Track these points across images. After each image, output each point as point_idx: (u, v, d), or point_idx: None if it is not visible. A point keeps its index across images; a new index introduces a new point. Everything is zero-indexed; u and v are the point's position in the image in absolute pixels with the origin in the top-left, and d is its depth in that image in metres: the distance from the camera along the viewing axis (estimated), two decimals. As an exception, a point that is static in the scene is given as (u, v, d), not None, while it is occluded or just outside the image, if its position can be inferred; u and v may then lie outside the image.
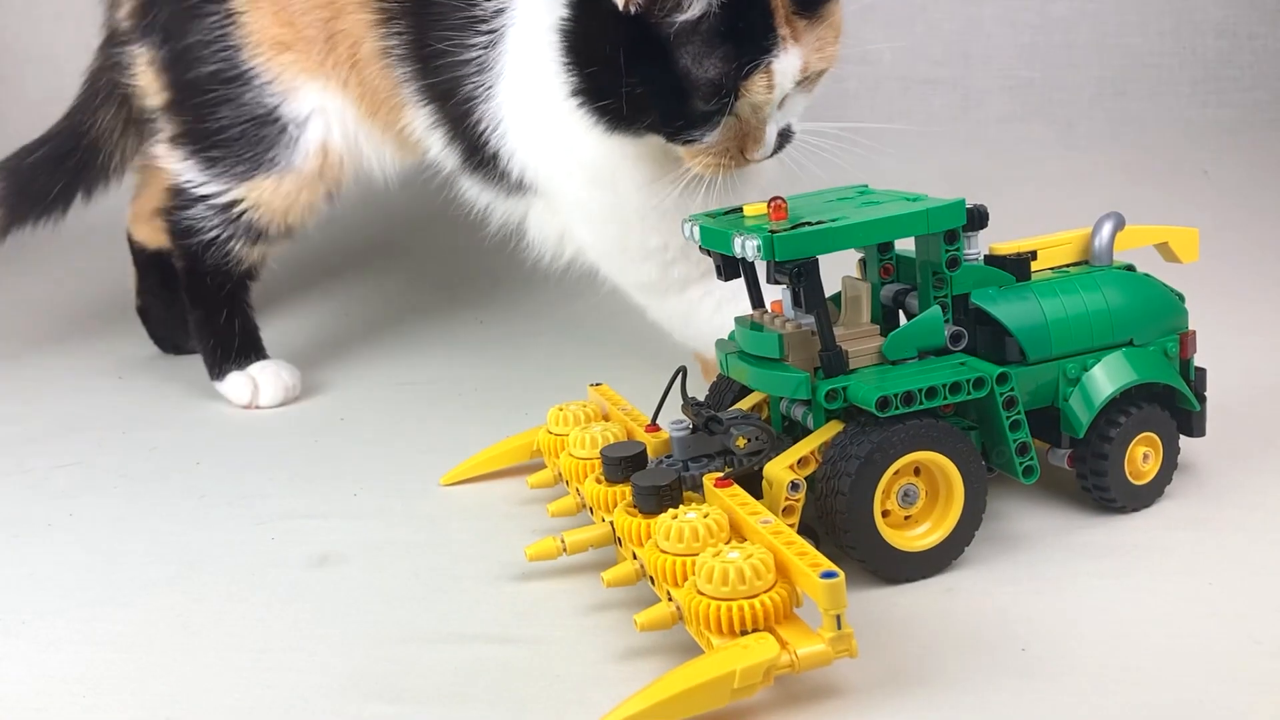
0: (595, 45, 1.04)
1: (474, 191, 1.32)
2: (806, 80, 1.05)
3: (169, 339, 1.58)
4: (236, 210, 1.35)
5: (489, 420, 1.28)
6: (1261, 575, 0.86)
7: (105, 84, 1.45)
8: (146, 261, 1.56)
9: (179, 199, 1.37)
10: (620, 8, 0.99)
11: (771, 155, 1.06)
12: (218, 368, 1.40)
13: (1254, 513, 0.95)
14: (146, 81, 1.37)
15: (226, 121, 1.32)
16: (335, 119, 1.33)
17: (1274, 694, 0.73)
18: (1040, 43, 2.06)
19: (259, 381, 1.38)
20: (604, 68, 1.03)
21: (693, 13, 0.98)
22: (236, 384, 1.38)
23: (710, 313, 1.21)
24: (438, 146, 1.30)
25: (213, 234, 1.36)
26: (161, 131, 1.38)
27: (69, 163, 1.47)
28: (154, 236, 1.52)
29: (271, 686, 0.80)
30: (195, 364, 1.57)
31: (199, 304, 1.40)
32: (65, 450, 1.27)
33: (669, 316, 1.25)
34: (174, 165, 1.36)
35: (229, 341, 1.39)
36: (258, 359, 1.40)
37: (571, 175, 1.18)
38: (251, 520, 1.08)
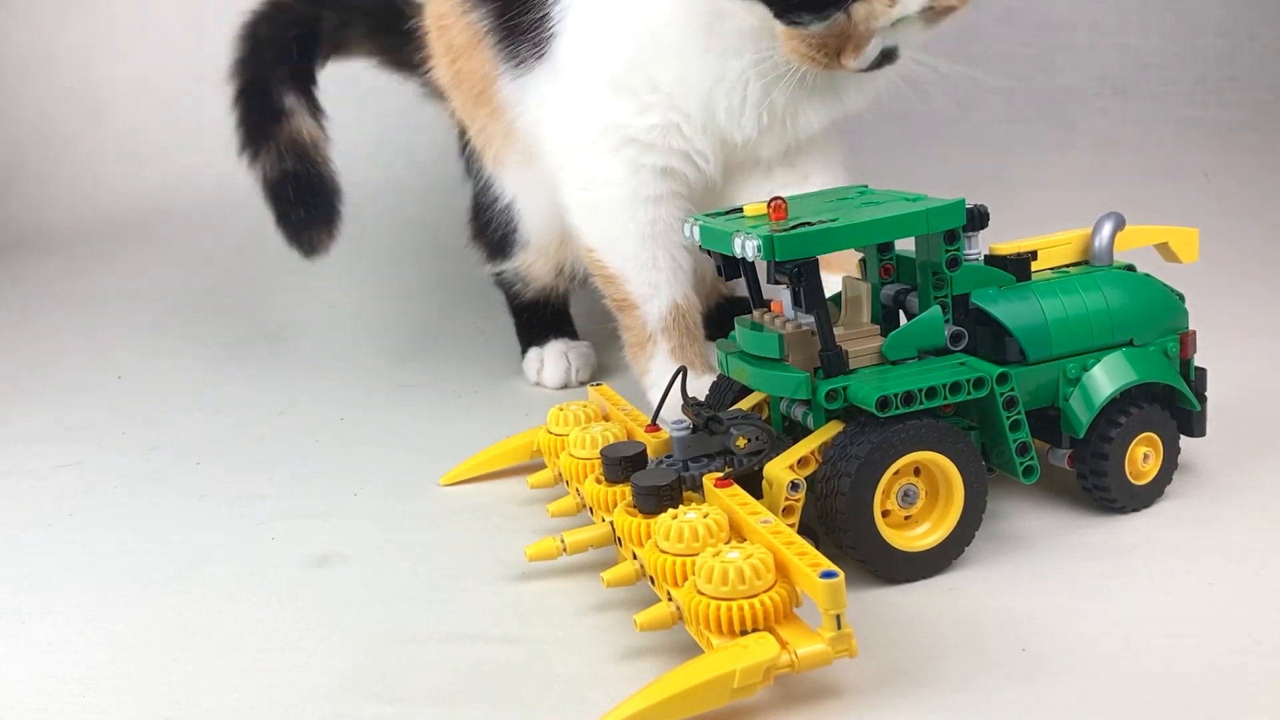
0: None
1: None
2: (932, 11, 1.03)
3: None
4: (519, 274, 1.44)
5: (489, 421, 1.28)
6: (1262, 575, 0.86)
7: None
8: None
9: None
10: None
11: (867, 70, 1.04)
12: (522, 345, 1.47)
13: (1255, 513, 0.95)
14: None
15: (491, 215, 1.43)
16: (528, 191, 1.37)
17: (1274, 693, 0.73)
18: (1041, 42, 2.06)
19: (545, 360, 1.42)
20: None
21: None
22: (529, 360, 1.44)
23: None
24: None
25: (515, 288, 1.47)
26: None
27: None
28: None
29: (271, 686, 0.80)
30: (195, 364, 1.58)
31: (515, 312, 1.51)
32: (65, 450, 1.27)
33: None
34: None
35: (533, 323, 1.46)
36: (557, 338, 1.44)
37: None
38: (251, 520, 1.08)
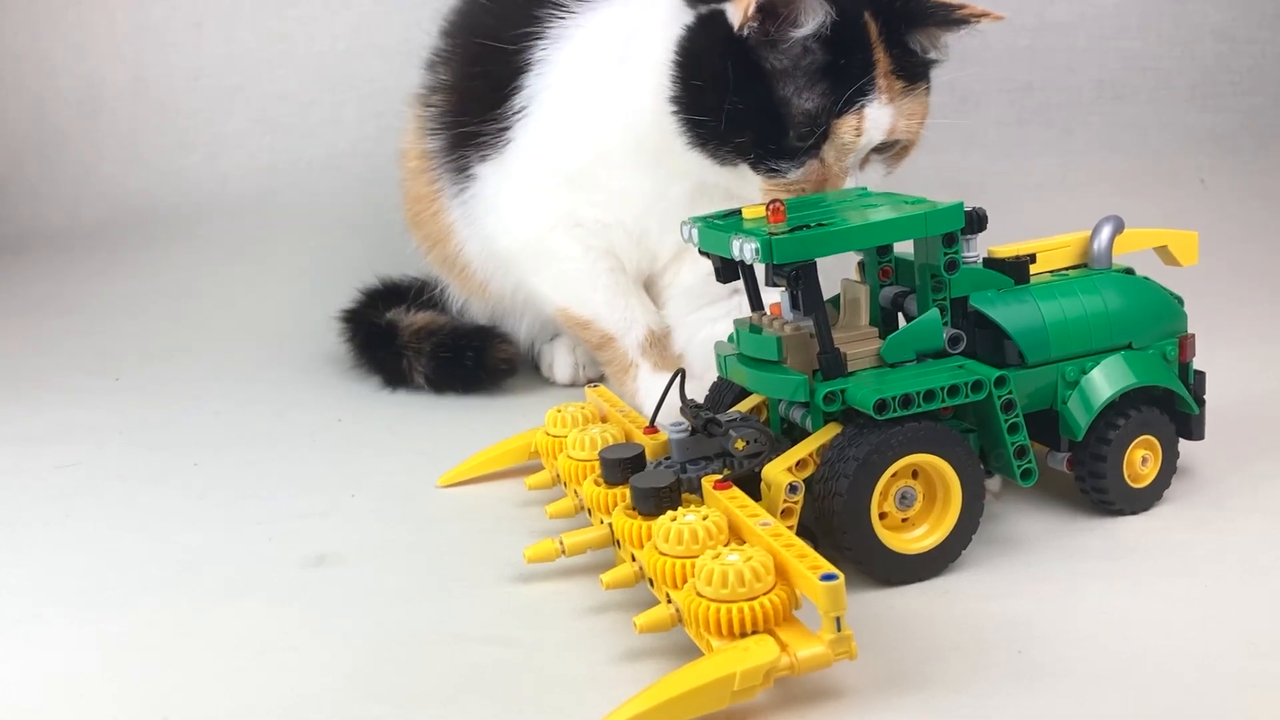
0: (706, 63, 1.08)
1: None
2: (891, 150, 1.12)
3: None
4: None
5: (486, 422, 1.28)
6: (1260, 578, 0.86)
7: None
8: None
9: None
10: (735, 29, 1.05)
11: None
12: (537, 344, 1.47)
13: (1252, 515, 0.96)
14: None
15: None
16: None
17: (1272, 696, 0.73)
18: (1038, 45, 2.06)
19: (555, 356, 1.43)
20: (710, 85, 1.08)
21: (806, 29, 1.04)
22: (541, 356, 1.45)
23: None
24: None
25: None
26: None
27: None
28: None
29: (269, 687, 0.80)
30: (191, 364, 1.58)
31: None
32: (63, 451, 1.27)
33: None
34: None
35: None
36: (563, 335, 1.44)
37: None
38: (249, 520, 1.07)
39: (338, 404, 1.39)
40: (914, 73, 1.11)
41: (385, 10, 2.10)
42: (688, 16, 1.10)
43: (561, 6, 1.23)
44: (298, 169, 2.10)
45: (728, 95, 1.07)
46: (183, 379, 1.51)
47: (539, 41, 1.22)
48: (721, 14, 1.07)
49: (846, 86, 1.06)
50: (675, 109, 1.10)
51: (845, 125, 1.07)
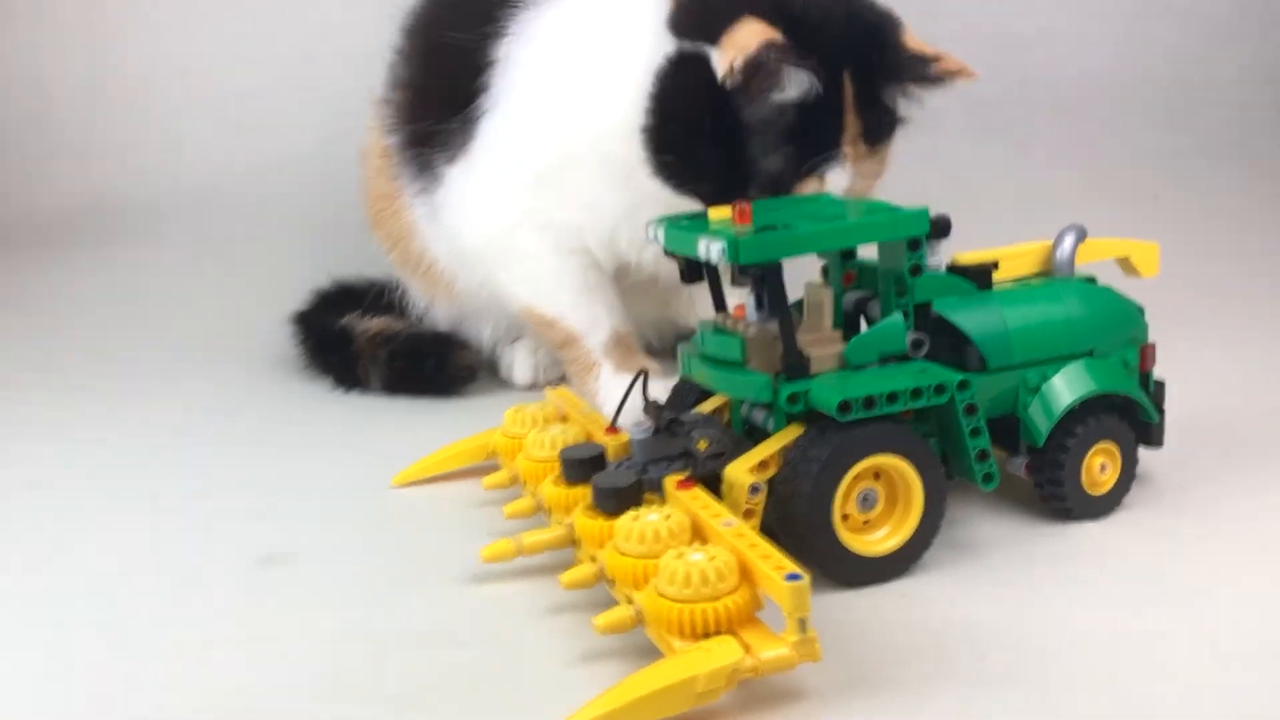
0: (683, 104, 1.08)
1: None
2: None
3: None
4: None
5: (441, 423, 1.26)
6: (1217, 585, 0.87)
7: None
8: None
9: None
10: (720, 78, 1.03)
11: None
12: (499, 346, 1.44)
13: (1209, 522, 0.96)
14: None
15: None
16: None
17: (1229, 702, 0.73)
18: (996, 62, 2.08)
19: (515, 359, 1.41)
20: (683, 127, 1.08)
21: (790, 94, 1.04)
22: (501, 358, 1.42)
23: None
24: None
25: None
26: None
27: None
28: None
29: (219, 688, 0.78)
30: (142, 364, 1.55)
31: None
32: (8, 451, 1.24)
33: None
34: None
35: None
36: (525, 337, 1.41)
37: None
38: (198, 521, 1.05)
39: (290, 405, 1.37)
40: (881, 133, 1.12)
41: (347, 13, 2.08)
42: (670, 46, 1.09)
43: (522, 1, 1.21)
44: (254, 170, 2.07)
45: (698, 142, 1.07)
46: (132, 378, 1.48)
47: (500, 40, 1.21)
48: (707, 58, 1.06)
49: (813, 154, 1.07)
50: (645, 139, 1.10)
51: (805, 187, 1.08)
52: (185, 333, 1.68)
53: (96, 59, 2.17)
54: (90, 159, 2.14)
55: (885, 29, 1.10)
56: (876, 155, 1.13)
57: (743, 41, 1.02)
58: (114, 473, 1.18)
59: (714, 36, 1.04)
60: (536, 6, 1.21)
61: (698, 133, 1.08)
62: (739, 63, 1.02)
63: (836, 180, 1.09)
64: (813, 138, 1.07)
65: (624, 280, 1.29)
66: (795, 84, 1.04)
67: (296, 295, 1.52)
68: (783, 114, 1.06)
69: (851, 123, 1.09)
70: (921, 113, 1.14)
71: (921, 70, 1.08)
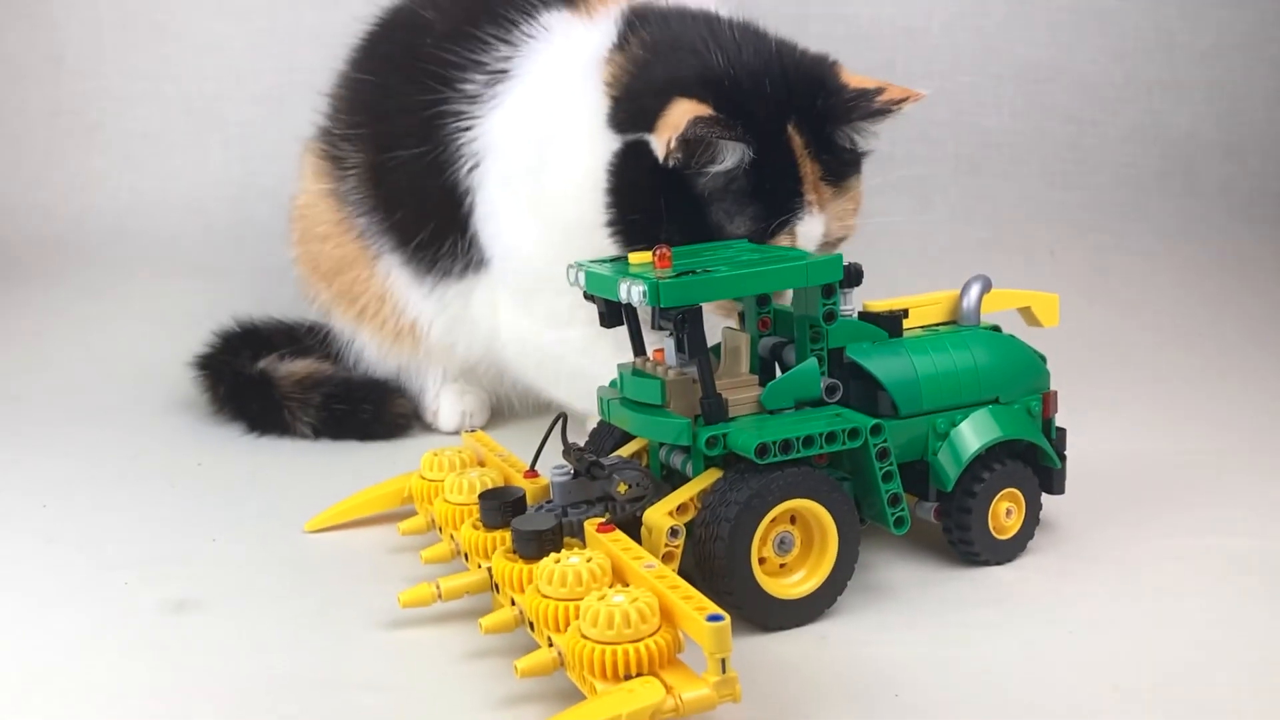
0: (639, 193, 1.10)
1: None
2: (826, 246, 1.13)
3: None
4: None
5: (355, 468, 1.25)
6: (1119, 625, 0.89)
7: None
8: None
9: None
10: (660, 160, 1.05)
11: None
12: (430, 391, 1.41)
13: (1111, 566, 0.99)
14: None
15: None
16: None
17: (1135, 737, 0.75)
18: (898, 119, 2.13)
19: (441, 404, 1.39)
20: (646, 216, 1.09)
21: (726, 164, 1.05)
22: (427, 403, 1.41)
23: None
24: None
25: None
26: None
27: None
28: None
29: (127, 735, 0.76)
30: (41, 405, 1.51)
31: None
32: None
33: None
34: None
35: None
36: (454, 381, 1.40)
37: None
38: (103, 566, 1.02)
39: (197, 448, 1.34)
40: (844, 171, 1.13)
41: (256, 55, 2.06)
42: (615, 142, 1.11)
43: (460, 114, 1.23)
44: (158, 210, 2.03)
45: (662, 225, 1.08)
46: (32, 420, 1.44)
47: (442, 147, 1.24)
48: (646, 144, 1.07)
49: (775, 209, 1.09)
50: (610, 233, 1.11)
51: (778, 242, 1.09)
52: (86, 375, 1.64)
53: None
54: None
55: (821, 72, 1.12)
56: (846, 194, 1.14)
57: (674, 121, 1.03)
58: (16, 517, 1.14)
59: (650, 124, 1.07)
60: (476, 112, 1.23)
61: (658, 217, 1.09)
62: (673, 143, 1.03)
63: (810, 230, 1.10)
64: (772, 194, 1.09)
65: None
66: (729, 154, 1.06)
67: (201, 338, 1.49)
68: (733, 180, 1.08)
69: (810, 169, 1.10)
70: (879, 142, 1.15)
71: (867, 105, 1.10)
